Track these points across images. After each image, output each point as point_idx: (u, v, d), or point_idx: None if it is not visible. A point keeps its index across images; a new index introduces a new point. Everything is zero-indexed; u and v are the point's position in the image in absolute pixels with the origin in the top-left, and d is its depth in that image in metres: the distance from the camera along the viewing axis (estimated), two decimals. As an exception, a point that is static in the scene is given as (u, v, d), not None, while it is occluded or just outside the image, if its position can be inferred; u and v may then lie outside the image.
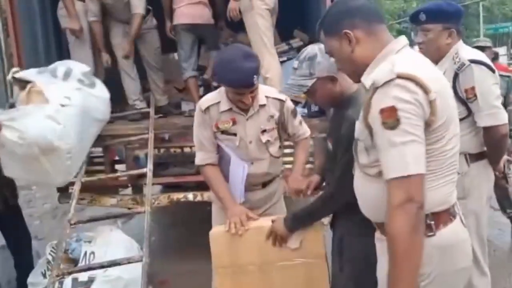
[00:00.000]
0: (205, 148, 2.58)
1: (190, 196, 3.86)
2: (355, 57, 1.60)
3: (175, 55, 5.44)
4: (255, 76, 2.34)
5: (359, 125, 1.59)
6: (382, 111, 1.40)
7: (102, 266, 2.59)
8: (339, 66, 1.75)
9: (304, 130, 2.75)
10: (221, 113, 2.50)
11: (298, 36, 5.14)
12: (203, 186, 3.84)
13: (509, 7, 36.39)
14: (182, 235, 4.96)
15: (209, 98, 2.58)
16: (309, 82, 2.08)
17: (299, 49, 4.81)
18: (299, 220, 2.21)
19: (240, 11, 3.87)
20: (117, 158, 4.44)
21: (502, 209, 4.39)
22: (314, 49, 2.09)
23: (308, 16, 5.29)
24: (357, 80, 1.66)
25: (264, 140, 2.57)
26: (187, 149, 3.83)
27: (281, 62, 4.22)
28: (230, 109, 2.49)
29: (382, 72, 1.45)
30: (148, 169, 3.18)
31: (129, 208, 3.85)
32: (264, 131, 2.56)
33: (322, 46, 2.04)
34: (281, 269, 2.25)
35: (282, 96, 2.62)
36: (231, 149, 2.55)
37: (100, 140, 3.82)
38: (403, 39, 1.62)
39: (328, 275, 2.29)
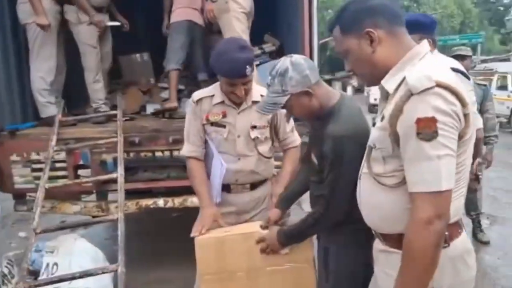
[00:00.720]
0: (191, 141, 2.58)
1: (160, 202, 3.70)
2: (376, 58, 1.51)
3: (138, 56, 5.31)
4: (248, 66, 2.35)
5: (378, 132, 1.50)
6: (419, 120, 1.33)
7: (73, 277, 2.40)
8: (354, 67, 1.61)
9: (295, 138, 2.71)
10: (214, 105, 2.52)
11: (269, 41, 5.11)
12: (174, 192, 3.73)
13: (457, 21, 38.32)
14: (149, 243, 4.78)
15: (204, 91, 2.61)
16: (283, 100, 1.98)
17: (271, 54, 4.82)
18: (291, 238, 2.15)
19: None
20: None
21: (466, 211, 4.53)
22: (285, 63, 1.98)
23: (278, 21, 5.27)
24: (373, 83, 1.57)
25: (253, 136, 2.55)
26: (158, 153, 3.65)
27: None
28: (222, 102, 2.52)
29: (418, 78, 1.35)
30: (119, 174, 3.00)
31: (93, 216, 3.65)
32: (254, 127, 2.55)
33: (294, 58, 1.99)
34: (269, 275, 2.19)
35: None
36: (218, 142, 2.55)
37: (62, 143, 3.61)
38: (426, 44, 1.54)
39: (315, 279, 2.24)
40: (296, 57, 2.00)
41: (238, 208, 2.60)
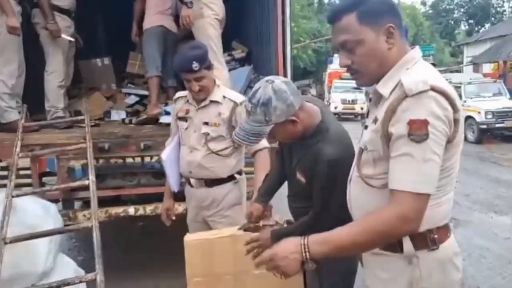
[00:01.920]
0: (171, 135, 3.00)
1: (131, 210, 3.59)
2: (389, 56, 1.47)
3: (98, 60, 5.20)
4: (195, 62, 2.55)
5: (370, 135, 1.49)
6: (412, 122, 1.33)
7: (50, 287, 2.28)
8: (359, 60, 1.49)
9: (257, 144, 2.67)
10: (184, 104, 2.84)
11: (237, 48, 5.12)
12: (145, 199, 3.64)
13: (410, 33, 39.64)
14: (119, 252, 4.63)
15: (182, 92, 2.94)
16: (267, 129, 1.90)
17: (240, 60, 4.81)
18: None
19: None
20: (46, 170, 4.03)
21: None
22: (267, 91, 1.86)
23: (246, 28, 5.28)
24: (371, 82, 1.52)
25: (203, 131, 2.72)
26: (129, 160, 3.56)
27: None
28: (188, 101, 2.82)
29: (414, 81, 1.36)
30: (91, 181, 2.89)
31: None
32: (206, 123, 2.72)
33: (276, 85, 1.88)
34: (257, 278, 2.18)
35: (238, 99, 2.72)
36: (181, 135, 2.85)
37: (27, 150, 3.46)
38: (418, 49, 1.54)
39: (303, 282, 2.23)
40: (278, 83, 1.89)
41: (197, 203, 2.83)
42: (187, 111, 2.80)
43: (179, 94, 2.93)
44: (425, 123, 1.32)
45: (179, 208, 3.12)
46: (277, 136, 2.01)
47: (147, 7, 4.42)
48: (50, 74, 4.15)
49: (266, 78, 1.96)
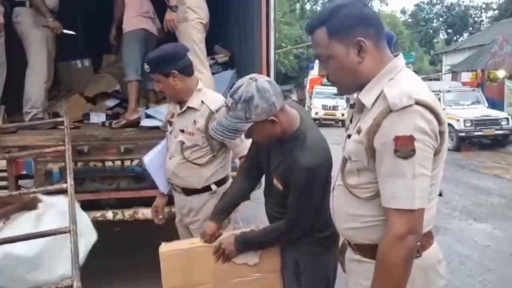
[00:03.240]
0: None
1: (109, 214, 3.51)
2: (361, 69, 1.46)
3: (78, 62, 5.11)
4: (146, 64, 2.60)
5: (353, 145, 1.48)
6: (397, 138, 1.33)
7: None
8: (333, 74, 1.52)
9: (244, 146, 2.59)
10: (173, 107, 2.82)
11: (220, 52, 5.09)
12: (124, 204, 3.56)
13: (405, 44, 40.31)
14: (95, 258, 4.53)
15: None
16: (245, 126, 1.89)
17: (223, 64, 4.78)
18: (249, 245, 2.13)
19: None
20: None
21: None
22: (250, 88, 1.85)
23: (228, 32, 5.25)
24: (349, 92, 1.57)
25: (178, 139, 2.66)
26: (109, 163, 3.49)
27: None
28: (173, 105, 2.81)
29: (398, 95, 1.34)
30: (69, 184, 2.81)
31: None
32: (182, 131, 2.66)
33: (259, 83, 1.87)
34: (236, 286, 2.14)
35: (214, 105, 2.58)
36: (167, 138, 2.84)
37: (3, 152, 3.36)
38: (402, 59, 1.52)
39: None
40: (261, 82, 1.88)
41: (178, 209, 2.84)
42: (173, 115, 2.78)
43: None
44: (411, 139, 1.32)
45: (166, 209, 3.07)
46: (254, 135, 1.98)
47: (126, 10, 4.33)
48: (34, 74, 4.06)
49: (250, 76, 1.94)
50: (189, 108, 2.64)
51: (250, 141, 2.56)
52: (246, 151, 2.61)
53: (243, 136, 2.54)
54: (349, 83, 1.52)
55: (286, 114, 1.94)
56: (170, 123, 2.79)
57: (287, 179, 1.95)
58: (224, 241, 2.12)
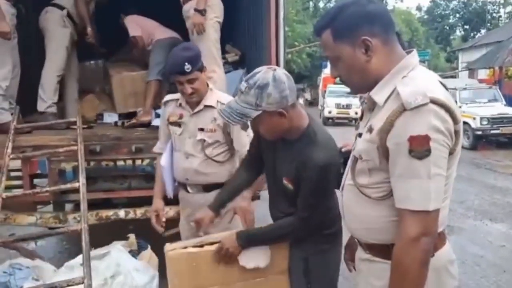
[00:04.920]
0: (160, 139, 2.93)
1: (121, 213, 3.54)
2: (370, 67, 1.44)
3: (92, 63, 5.18)
4: (187, 63, 2.51)
5: (365, 144, 1.46)
6: (412, 138, 1.30)
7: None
8: (343, 74, 1.51)
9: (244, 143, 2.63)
10: (176, 107, 2.77)
11: (231, 51, 5.09)
12: (135, 202, 3.61)
13: (405, 38, 39.79)
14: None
15: (172, 95, 2.86)
16: (253, 113, 1.86)
17: (234, 63, 4.79)
18: (252, 241, 2.10)
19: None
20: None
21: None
22: (266, 76, 1.84)
23: (239, 32, 5.25)
24: (361, 91, 1.53)
25: (199, 138, 2.66)
26: (120, 163, 3.53)
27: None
28: (180, 105, 2.74)
29: (412, 94, 1.32)
30: (81, 183, 2.86)
31: (50, 228, 3.48)
32: (201, 129, 2.66)
33: (277, 73, 1.86)
34: None
35: None
36: (174, 140, 2.79)
37: (18, 151, 3.43)
38: (416, 54, 1.49)
39: None
40: (279, 73, 1.88)
41: (194, 209, 2.66)
42: (181, 116, 2.73)
43: (169, 97, 2.86)
44: (426, 138, 1.29)
45: (170, 211, 3.09)
46: (260, 126, 1.95)
47: (152, 25, 4.55)
48: (51, 66, 4.20)
49: (269, 66, 1.95)
50: (205, 106, 2.66)
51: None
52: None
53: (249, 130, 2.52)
54: (360, 82, 1.50)
55: (296, 111, 1.94)
56: (179, 124, 2.74)
57: (299, 177, 1.95)
58: (225, 240, 2.09)
